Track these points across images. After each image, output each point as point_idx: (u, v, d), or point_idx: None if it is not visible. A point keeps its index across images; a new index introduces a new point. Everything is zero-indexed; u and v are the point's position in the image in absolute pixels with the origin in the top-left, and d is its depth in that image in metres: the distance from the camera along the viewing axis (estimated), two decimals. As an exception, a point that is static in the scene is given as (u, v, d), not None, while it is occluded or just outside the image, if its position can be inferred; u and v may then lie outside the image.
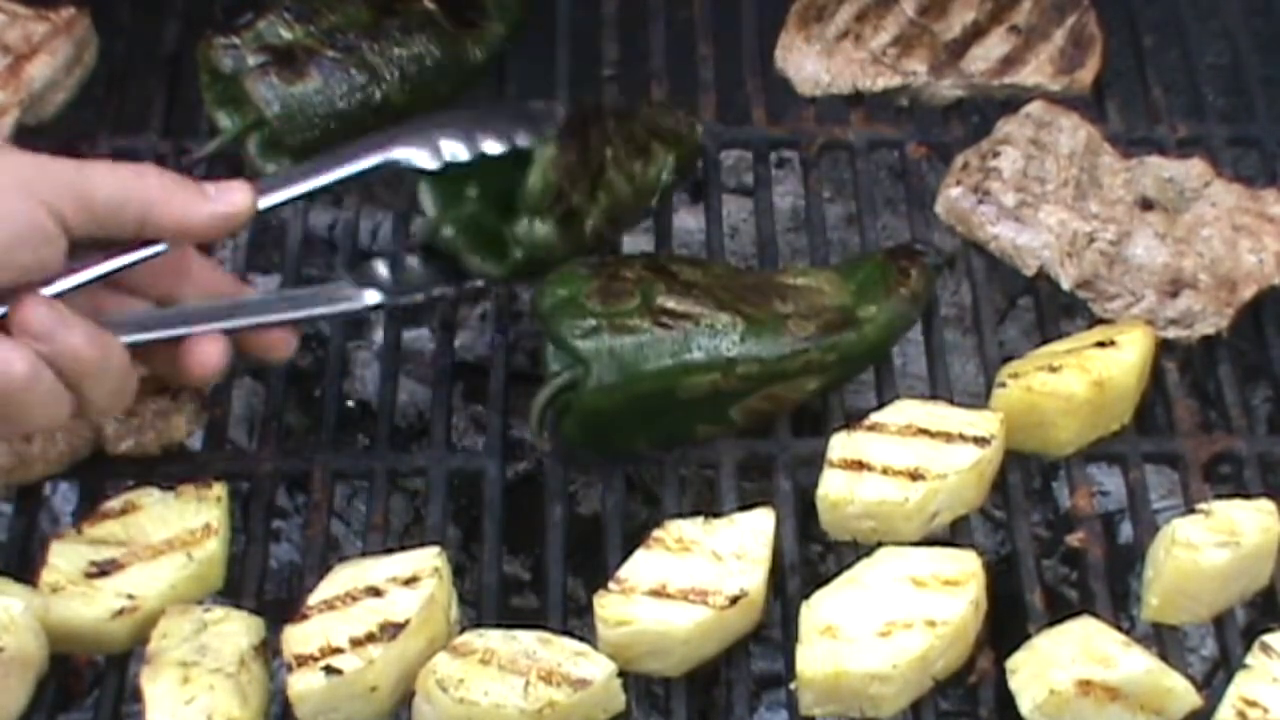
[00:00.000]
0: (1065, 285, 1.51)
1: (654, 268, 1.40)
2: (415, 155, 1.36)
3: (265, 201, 1.27)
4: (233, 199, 1.21)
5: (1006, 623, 1.32)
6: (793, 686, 1.24)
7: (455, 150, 1.37)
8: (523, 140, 1.40)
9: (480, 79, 1.64)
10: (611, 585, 1.26)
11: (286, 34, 1.53)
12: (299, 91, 1.50)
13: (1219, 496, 1.37)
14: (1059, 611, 1.31)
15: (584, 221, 1.45)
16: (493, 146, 1.38)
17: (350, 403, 1.77)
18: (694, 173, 1.61)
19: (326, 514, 1.39)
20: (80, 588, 1.26)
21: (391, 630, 1.20)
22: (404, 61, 1.56)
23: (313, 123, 1.51)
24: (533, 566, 1.66)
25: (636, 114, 1.55)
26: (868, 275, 1.45)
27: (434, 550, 1.27)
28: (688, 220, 1.87)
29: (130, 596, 1.25)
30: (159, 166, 1.21)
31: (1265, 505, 1.32)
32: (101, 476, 1.38)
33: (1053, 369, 1.38)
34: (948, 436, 1.34)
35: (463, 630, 1.25)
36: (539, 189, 1.42)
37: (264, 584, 1.36)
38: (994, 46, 1.70)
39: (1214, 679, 1.43)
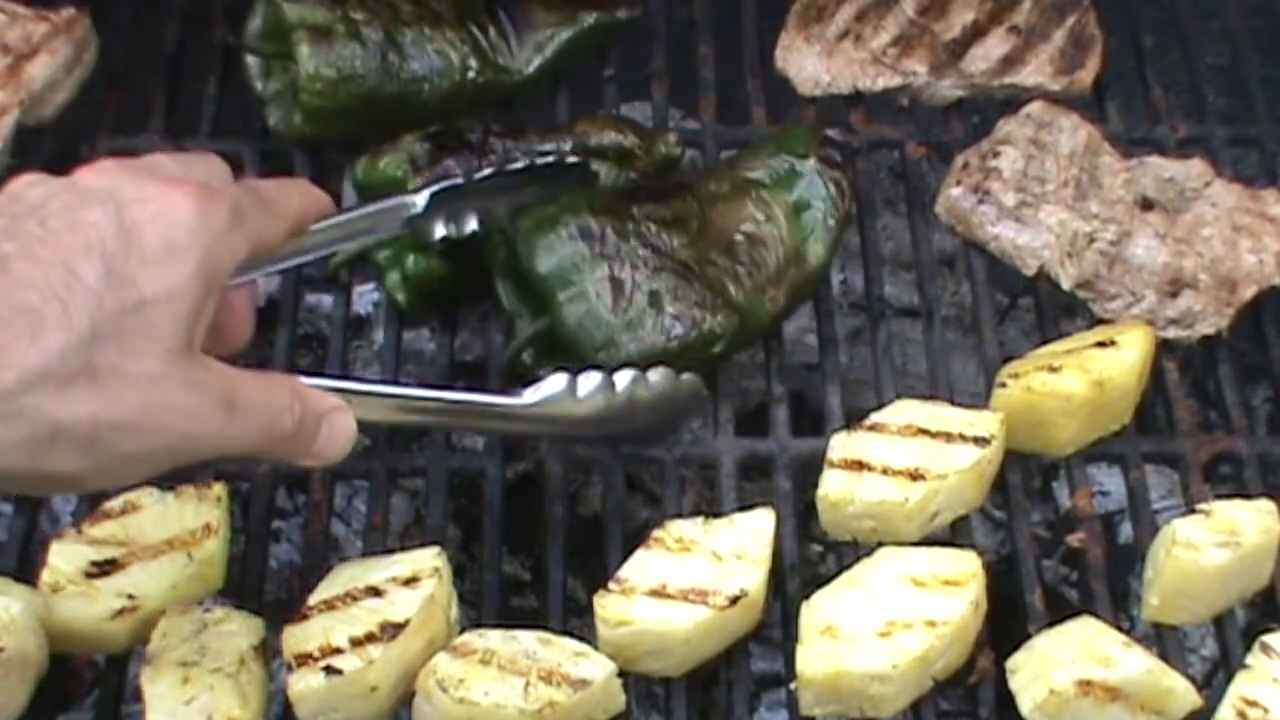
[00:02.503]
0: (1065, 285, 1.51)
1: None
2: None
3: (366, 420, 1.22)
4: (330, 454, 1.16)
5: (1006, 623, 1.32)
6: (793, 686, 1.24)
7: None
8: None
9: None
10: (611, 585, 1.26)
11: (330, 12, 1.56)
12: (341, 57, 1.53)
13: (1219, 496, 1.37)
14: (1059, 611, 1.31)
15: (492, 251, 1.45)
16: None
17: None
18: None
19: (326, 514, 1.39)
20: (80, 588, 1.25)
21: (391, 630, 1.20)
22: (432, 58, 1.58)
23: (345, 94, 1.54)
24: (533, 566, 1.66)
25: (562, 132, 1.54)
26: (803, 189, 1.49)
27: (434, 550, 1.27)
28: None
29: (130, 596, 1.25)
30: (294, 404, 1.11)
31: (1265, 505, 1.32)
32: (101, 476, 1.38)
33: (1053, 369, 1.38)
34: (948, 436, 1.34)
35: (463, 630, 1.25)
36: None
37: (264, 584, 1.36)
38: (994, 46, 1.71)
39: (1214, 679, 1.44)
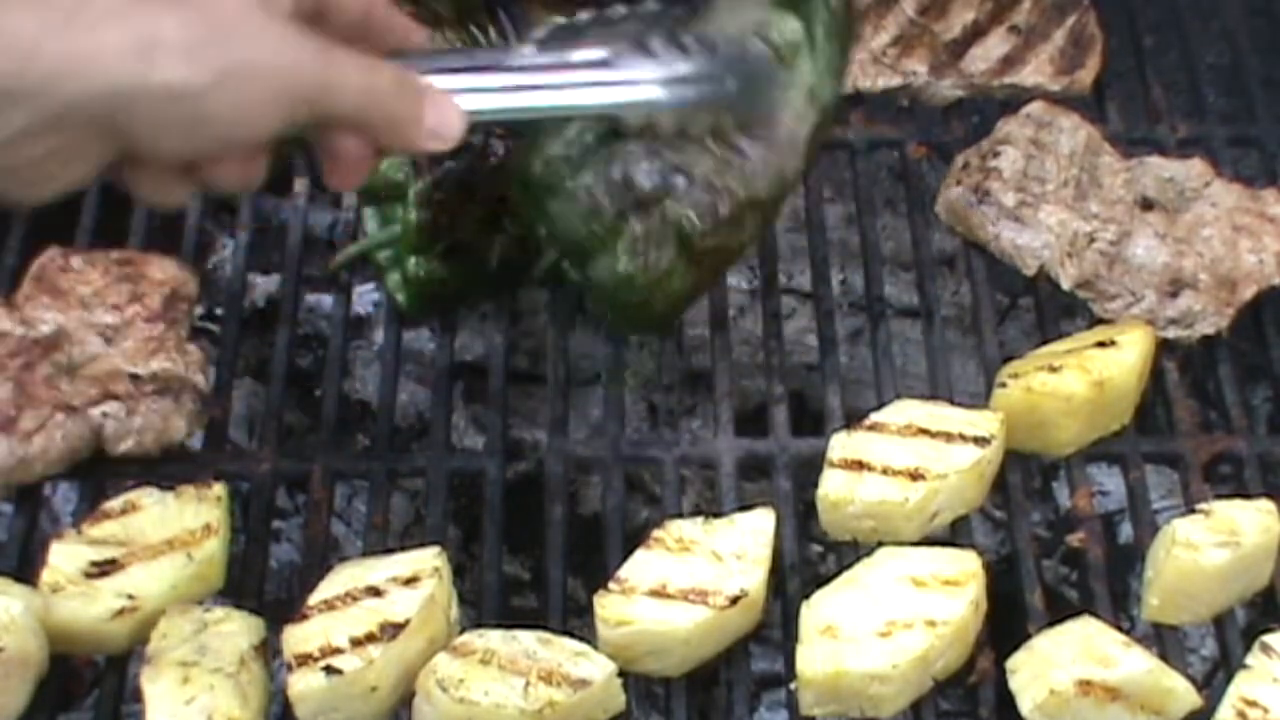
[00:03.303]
0: (1065, 285, 1.51)
1: None
2: (629, 118, 1.27)
3: (472, 111, 1.15)
4: (447, 132, 1.12)
5: (1006, 623, 1.32)
6: (793, 686, 1.24)
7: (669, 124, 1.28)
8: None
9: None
10: (611, 585, 1.26)
11: None
12: None
13: (1219, 496, 1.37)
14: (1059, 611, 1.31)
15: (486, 253, 1.45)
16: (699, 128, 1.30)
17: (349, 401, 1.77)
18: None
19: (326, 514, 1.39)
20: (80, 588, 1.25)
21: (391, 630, 1.20)
22: None
23: None
24: (533, 566, 1.66)
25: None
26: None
27: (434, 550, 1.27)
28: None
29: (130, 596, 1.25)
30: (393, 77, 1.09)
31: (1265, 505, 1.32)
32: (101, 476, 1.38)
33: (1053, 369, 1.38)
34: (948, 436, 1.34)
35: (463, 630, 1.25)
36: (411, 229, 1.44)
37: (264, 584, 1.36)
38: (994, 46, 1.71)
39: (1214, 679, 1.44)
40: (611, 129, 1.31)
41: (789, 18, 1.37)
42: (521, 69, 1.18)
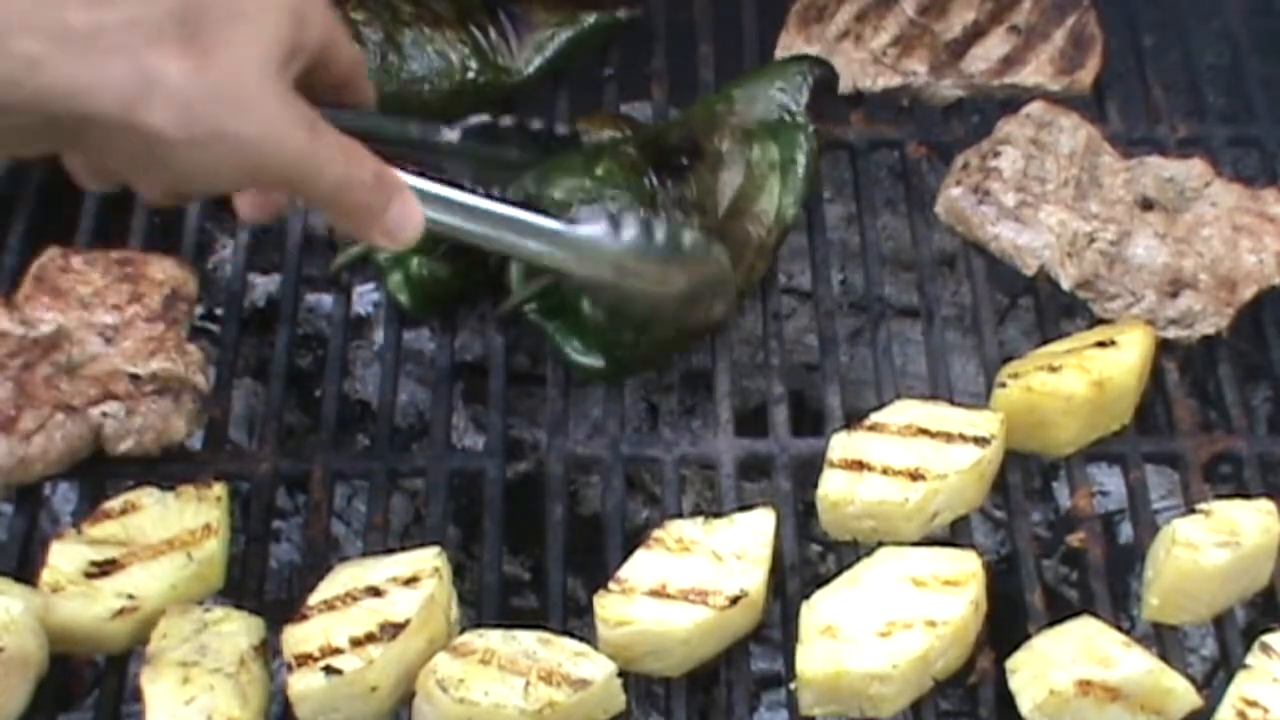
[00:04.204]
0: (1065, 285, 1.51)
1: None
2: (571, 266, 1.32)
3: (430, 216, 1.19)
4: (401, 235, 1.15)
5: (1006, 623, 1.32)
6: (793, 686, 1.24)
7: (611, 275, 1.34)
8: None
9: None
10: (611, 585, 1.26)
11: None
12: None
13: (1219, 496, 1.37)
14: (1059, 611, 1.31)
15: (486, 253, 1.45)
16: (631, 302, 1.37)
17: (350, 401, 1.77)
18: None
19: (326, 514, 1.39)
20: (80, 588, 1.25)
21: (391, 630, 1.20)
22: (432, 58, 1.59)
23: None
24: (533, 566, 1.66)
25: (557, 133, 1.54)
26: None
27: (434, 550, 1.27)
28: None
29: (130, 596, 1.25)
30: (370, 170, 1.11)
31: (1265, 505, 1.32)
32: (101, 476, 1.38)
33: (1053, 369, 1.38)
34: (948, 436, 1.34)
35: (463, 630, 1.25)
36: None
37: (264, 584, 1.36)
38: (994, 46, 1.71)
39: (1214, 679, 1.44)
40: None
41: (770, 144, 1.50)
42: (490, 198, 1.23)
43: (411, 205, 1.14)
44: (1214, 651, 1.52)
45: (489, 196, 1.23)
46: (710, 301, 1.42)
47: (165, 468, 1.37)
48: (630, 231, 1.31)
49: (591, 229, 1.30)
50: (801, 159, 1.51)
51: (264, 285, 1.81)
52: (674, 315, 1.40)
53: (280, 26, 1.05)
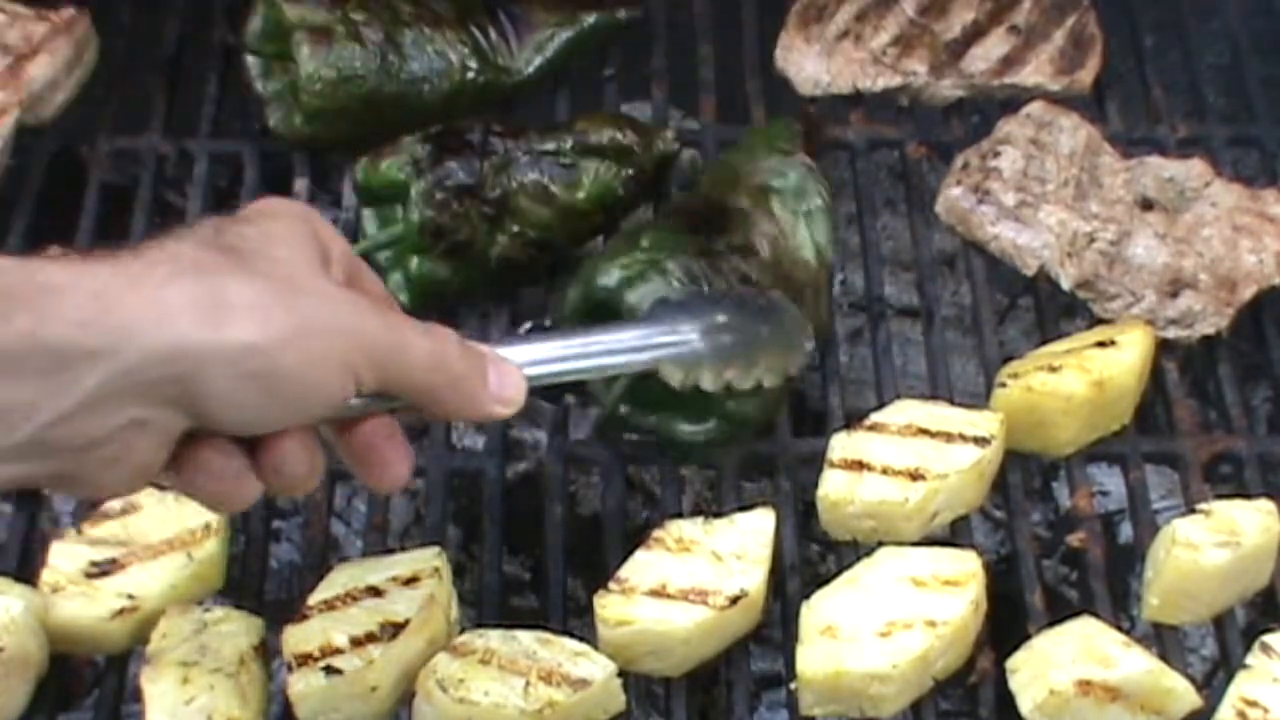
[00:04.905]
0: (1065, 285, 1.51)
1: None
2: (672, 374, 1.26)
3: (529, 376, 1.14)
4: (509, 395, 1.10)
5: (1006, 623, 1.32)
6: (793, 686, 1.24)
7: (711, 380, 1.28)
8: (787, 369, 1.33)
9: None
10: (611, 585, 1.26)
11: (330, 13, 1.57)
12: (341, 58, 1.54)
13: (1219, 496, 1.37)
14: (1059, 611, 1.31)
15: (487, 251, 1.45)
16: (742, 382, 1.30)
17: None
18: (665, 183, 1.59)
19: (326, 514, 1.39)
20: (80, 588, 1.25)
21: (391, 630, 1.20)
22: (432, 58, 1.59)
23: (345, 95, 1.55)
24: (533, 566, 1.66)
25: (561, 130, 1.54)
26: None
27: (434, 550, 1.27)
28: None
29: (130, 596, 1.25)
30: (455, 340, 1.07)
31: (1265, 505, 1.32)
32: (101, 476, 1.38)
33: (1053, 369, 1.38)
34: (948, 436, 1.34)
35: (463, 630, 1.25)
36: (412, 229, 1.44)
37: (264, 584, 1.36)
38: (994, 46, 1.71)
39: (1214, 679, 1.43)
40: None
41: (787, 197, 1.48)
42: (565, 334, 1.20)
43: (506, 364, 1.10)
44: (1214, 651, 1.52)
45: (565, 334, 1.21)
46: (800, 343, 1.35)
47: (165, 468, 1.37)
48: (712, 306, 1.29)
49: (676, 321, 1.26)
50: (819, 202, 1.48)
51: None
52: (768, 368, 1.31)
53: (307, 236, 1.03)
